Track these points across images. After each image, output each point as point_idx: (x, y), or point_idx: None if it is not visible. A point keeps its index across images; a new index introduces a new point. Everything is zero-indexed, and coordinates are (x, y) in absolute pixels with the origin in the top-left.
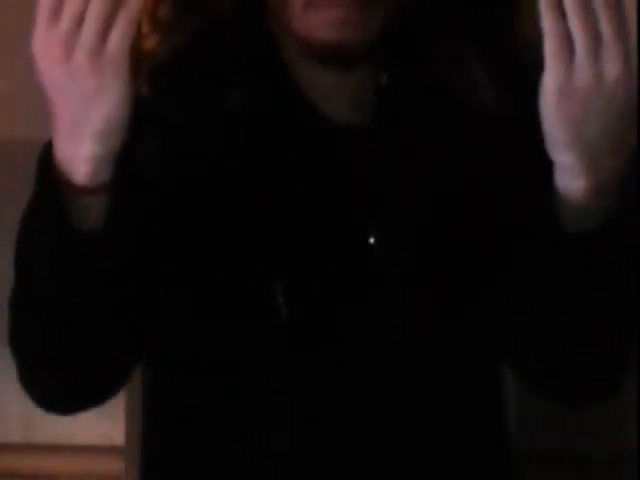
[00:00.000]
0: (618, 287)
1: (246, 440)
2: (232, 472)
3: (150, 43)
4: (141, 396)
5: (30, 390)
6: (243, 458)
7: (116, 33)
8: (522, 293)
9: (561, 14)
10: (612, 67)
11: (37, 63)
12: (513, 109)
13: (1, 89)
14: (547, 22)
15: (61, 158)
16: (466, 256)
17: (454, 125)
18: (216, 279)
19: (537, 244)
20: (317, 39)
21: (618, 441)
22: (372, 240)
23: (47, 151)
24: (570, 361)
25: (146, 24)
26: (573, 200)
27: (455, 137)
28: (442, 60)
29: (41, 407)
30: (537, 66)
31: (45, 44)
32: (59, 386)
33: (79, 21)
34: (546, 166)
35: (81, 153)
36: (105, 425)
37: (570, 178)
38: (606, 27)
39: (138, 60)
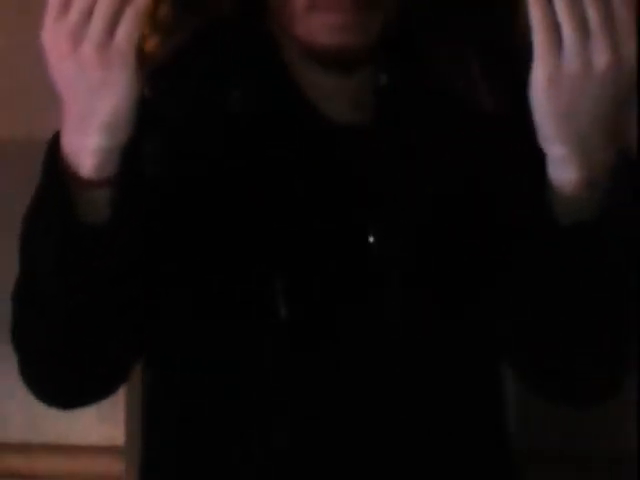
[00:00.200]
0: (615, 281)
1: (246, 440)
2: (232, 472)
3: (150, 44)
4: (141, 396)
5: (31, 385)
6: (243, 458)
7: (124, 26)
8: (520, 291)
9: (548, 4)
10: (601, 57)
11: (46, 55)
12: (513, 109)
13: (1, 89)
14: (534, 12)
15: (68, 150)
16: (466, 256)
17: (454, 125)
18: (216, 278)
19: (532, 238)
20: (319, 43)
21: (618, 441)
22: (372, 239)
23: (54, 144)
24: (570, 360)
25: (146, 25)
26: (566, 192)
27: (455, 137)
28: (442, 60)
29: (42, 401)
30: None
31: (54, 36)
32: (60, 381)
33: (87, 14)
34: (545, 166)
35: (88, 145)
36: (105, 425)
37: (562, 169)
38: (594, 16)
39: (139, 61)
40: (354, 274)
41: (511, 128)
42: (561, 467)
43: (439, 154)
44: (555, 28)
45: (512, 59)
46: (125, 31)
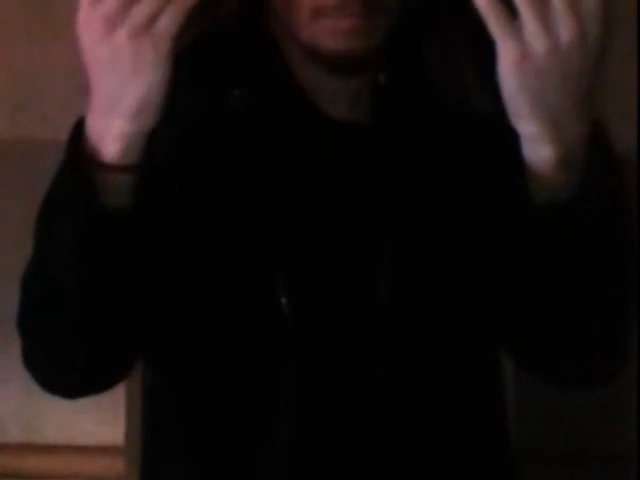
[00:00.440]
0: (598, 258)
1: (246, 439)
2: (232, 472)
3: None
4: (141, 396)
5: (35, 371)
6: (243, 457)
7: (166, 18)
8: (511, 276)
9: None
10: (565, 32)
11: (80, 38)
12: (505, 110)
13: (1, 89)
14: (477, 1)
15: (92, 134)
16: (463, 249)
17: (448, 125)
18: (217, 271)
19: (514, 221)
20: (325, 48)
21: (618, 441)
22: (367, 236)
23: (78, 127)
24: (565, 338)
25: None
26: (541, 170)
27: (449, 137)
28: (436, 62)
29: (44, 388)
30: None
31: (89, 19)
32: (66, 367)
33: (126, 1)
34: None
35: (112, 130)
36: (105, 425)
37: (536, 147)
38: None
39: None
40: (354, 266)
41: (504, 128)
42: (561, 467)
43: (434, 152)
44: (507, 9)
45: None
46: (167, 22)
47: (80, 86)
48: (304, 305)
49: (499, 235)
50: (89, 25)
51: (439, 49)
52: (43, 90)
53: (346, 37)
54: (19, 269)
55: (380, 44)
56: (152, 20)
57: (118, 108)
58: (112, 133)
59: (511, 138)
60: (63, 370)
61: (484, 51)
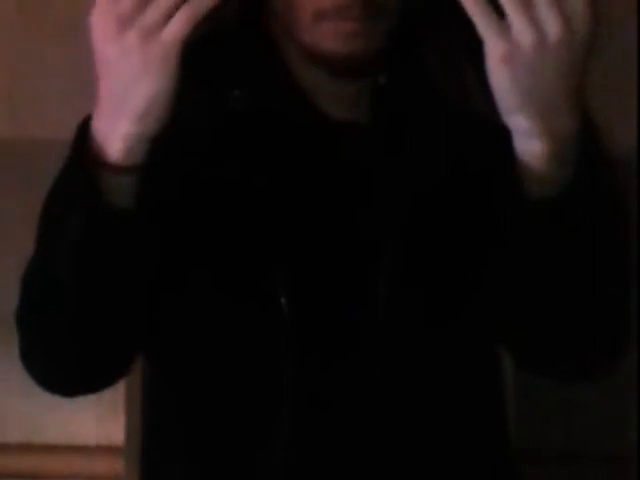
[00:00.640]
0: (593, 253)
1: (246, 439)
2: (232, 471)
3: None
4: (141, 396)
5: (32, 368)
6: (243, 457)
7: (175, 24)
8: (508, 274)
9: None
10: (552, 27)
11: (92, 36)
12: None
13: (1, 89)
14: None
15: (98, 133)
16: (464, 252)
17: (448, 125)
18: (216, 270)
19: (508, 217)
20: (327, 50)
21: (618, 441)
22: (367, 236)
23: (84, 125)
24: (565, 334)
25: None
26: (533, 165)
27: (450, 138)
28: (436, 64)
29: (42, 386)
30: None
31: (102, 17)
32: (64, 365)
33: (140, 2)
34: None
35: (118, 130)
36: (105, 425)
37: (527, 142)
38: None
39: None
40: (354, 266)
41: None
42: (561, 467)
43: (434, 153)
44: (492, 8)
45: None
46: (176, 28)
47: (80, 86)
48: (304, 305)
49: (498, 234)
50: (102, 23)
51: (439, 50)
52: (43, 90)
53: (347, 40)
54: (19, 269)
55: (380, 47)
56: (162, 24)
57: (124, 108)
58: (117, 133)
59: (510, 138)
60: (61, 368)
61: (484, 51)
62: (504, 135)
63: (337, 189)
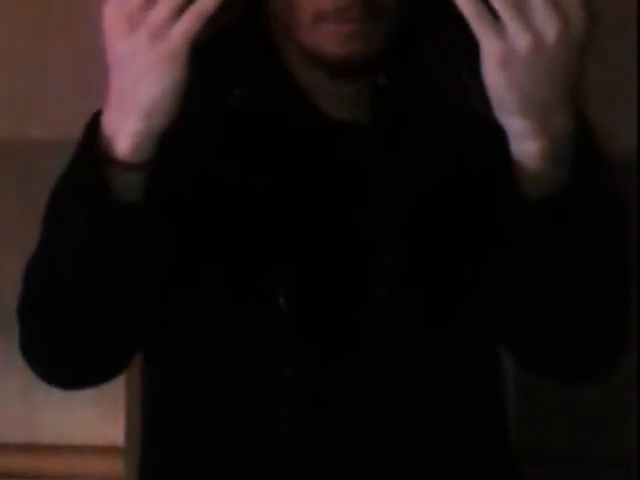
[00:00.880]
0: (592, 253)
1: (246, 439)
2: (232, 471)
3: None
4: (141, 396)
5: (33, 362)
6: (243, 457)
7: (183, 22)
8: (508, 274)
9: None
10: (548, 29)
11: (104, 32)
12: None
13: (1, 89)
14: (459, 2)
15: (107, 129)
16: (464, 251)
17: (447, 125)
18: (216, 269)
19: (507, 217)
20: (327, 52)
21: (618, 441)
22: (367, 236)
23: (94, 121)
24: (565, 334)
25: None
26: (530, 165)
27: (450, 138)
28: (435, 63)
29: (42, 378)
30: None
31: (114, 14)
32: (65, 357)
33: (151, 1)
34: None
35: (125, 126)
36: (105, 425)
37: (523, 142)
38: None
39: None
40: (354, 266)
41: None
42: (561, 467)
43: (434, 153)
44: (488, 8)
45: None
46: (183, 28)
47: (80, 86)
48: (304, 305)
49: (498, 234)
50: (113, 20)
51: (439, 50)
52: (42, 89)
53: (346, 42)
54: (19, 269)
55: (380, 48)
56: (171, 22)
57: (132, 105)
58: (125, 130)
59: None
60: (65, 365)
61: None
62: (504, 135)
63: (337, 189)
